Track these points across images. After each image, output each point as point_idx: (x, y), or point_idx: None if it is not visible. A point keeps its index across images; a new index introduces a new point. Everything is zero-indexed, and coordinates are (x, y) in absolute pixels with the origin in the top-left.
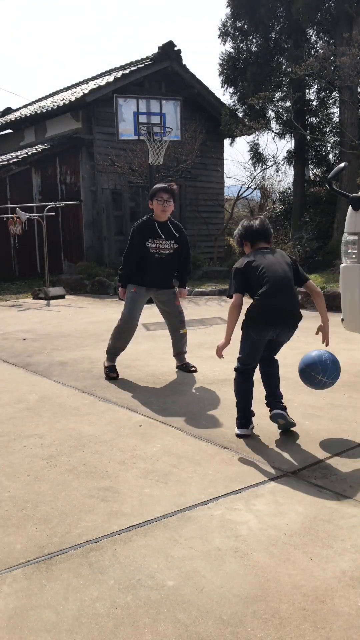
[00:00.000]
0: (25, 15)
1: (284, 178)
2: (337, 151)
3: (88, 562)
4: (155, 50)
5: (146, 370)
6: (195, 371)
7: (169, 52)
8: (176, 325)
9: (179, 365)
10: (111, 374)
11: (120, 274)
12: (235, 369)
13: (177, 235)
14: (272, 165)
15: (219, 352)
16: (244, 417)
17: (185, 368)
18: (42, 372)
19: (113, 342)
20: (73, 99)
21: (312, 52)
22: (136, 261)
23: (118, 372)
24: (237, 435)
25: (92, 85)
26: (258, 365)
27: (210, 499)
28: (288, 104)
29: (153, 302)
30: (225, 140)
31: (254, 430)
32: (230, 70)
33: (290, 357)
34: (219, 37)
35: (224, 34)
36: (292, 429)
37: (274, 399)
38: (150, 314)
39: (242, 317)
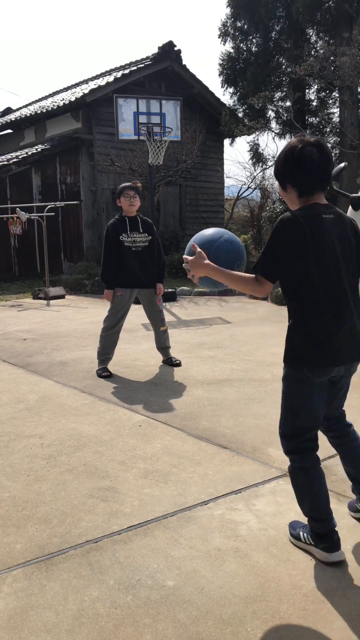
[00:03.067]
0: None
1: None
2: (337, 151)
3: (88, 562)
4: (155, 50)
5: (146, 370)
6: (179, 365)
7: (169, 52)
8: (157, 322)
9: (164, 360)
10: (104, 373)
11: (102, 275)
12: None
13: (148, 230)
14: (272, 165)
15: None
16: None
17: (170, 362)
18: (42, 372)
19: (102, 345)
20: (73, 99)
21: (312, 52)
22: (114, 259)
23: (110, 372)
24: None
25: (92, 85)
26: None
27: (210, 499)
28: (288, 104)
29: (139, 303)
30: (225, 140)
31: (253, 430)
32: (230, 70)
33: None
34: (219, 37)
35: (224, 34)
36: None
37: None
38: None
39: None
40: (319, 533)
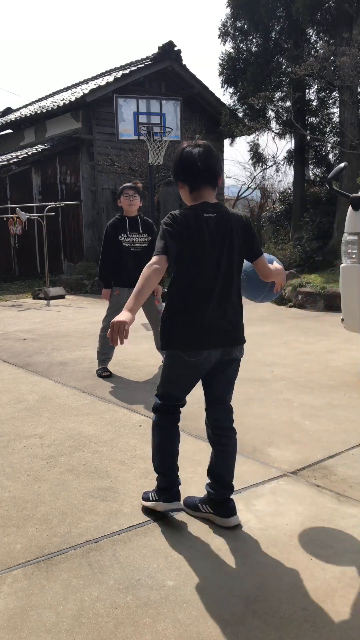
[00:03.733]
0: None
1: (284, 178)
2: (337, 151)
3: (88, 562)
4: (155, 50)
5: (146, 370)
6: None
7: (169, 52)
8: (157, 323)
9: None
10: (104, 373)
11: (99, 274)
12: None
13: (148, 231)
14: (272, 165)
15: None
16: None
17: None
18: (42, 372)
19: (101, 344)
20: (73, 99)
21: (312, 52)
22: (113, 259)
23: (110, 372)
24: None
25: (92, 85)
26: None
27: None
28: (288, 104)
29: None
30: (225, 140)
31: (253, 430)
32: (230, 70)
33: (290, 357)
34: (219, 37)
35: (224, 34)
36: (292, 428)
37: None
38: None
39: None
40: (161, 487)
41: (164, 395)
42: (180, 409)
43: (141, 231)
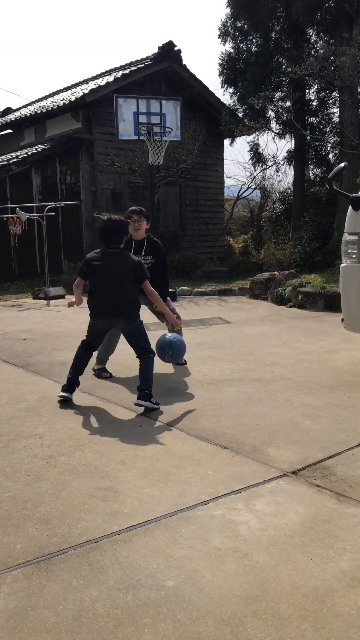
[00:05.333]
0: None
1: (284, 178)
2: (337, 151)
3: (88, 562)
4: (155, 50)
5: None
6: (185, 363)
7: (169, 52)
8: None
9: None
10: (104, 374)
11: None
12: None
13: (153, 252)
14: (272, 165)
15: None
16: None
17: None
18: (42, 372)
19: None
20: (73, 99)
21: (312, 52)
22: None
23: (111, 373)
24: (61, 397)
25: (92, 85)
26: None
27: (210, 499)
28: (288, 104)
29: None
30: (225, 140)
31: (253, 430)
32: (230, 70)
33: (290, 357)
34: (219, 37)
35: (224, 34)
36: (292, 428)
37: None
38: (150, 314)
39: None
40: (66, 383)
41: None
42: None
43: (144, 254)
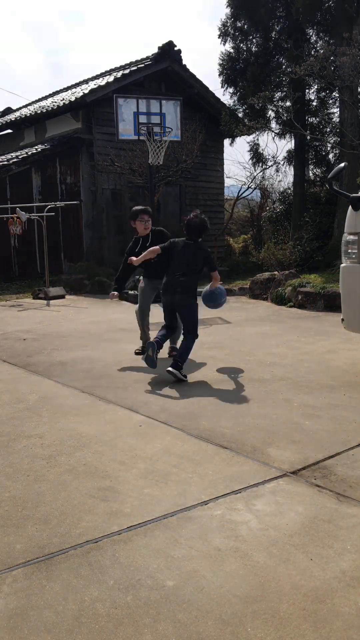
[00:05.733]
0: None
1: (284, 178)
2: (337, 151)
3: (88, 562)
4: (155, 50)
5: (146, 370)
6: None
7: (169, 52)
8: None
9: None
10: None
11: (116, 281)
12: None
13: (159, 241)
14: (272, 165)
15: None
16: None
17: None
18: (42, 372)
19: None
20: (73, 99)
21: (312, 52)
22: (129, 270)
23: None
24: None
25: (92, 85)
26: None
27: (210, 499)
28: (288, 104)
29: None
30: (225, 140)
31: (253, 430)
32: (230, 70)
33: (290, 357)
34: (219, 37)
35: (224, 34)
36: (292, 428)
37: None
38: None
39: None
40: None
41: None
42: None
43: (149, 245)
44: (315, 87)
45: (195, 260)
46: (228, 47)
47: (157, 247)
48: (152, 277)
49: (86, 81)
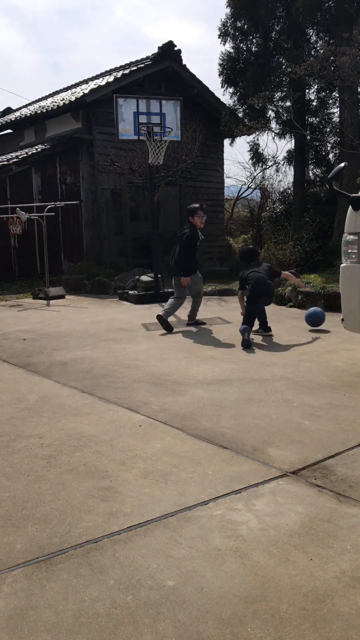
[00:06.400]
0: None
1: (284, 178)
2: (337, 151)
3: (88, 562)
4: (155, 50)
5: (146, 370)
6: (204, 324)
7: (168, 52)
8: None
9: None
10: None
11: (189, 268)
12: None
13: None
14: (272, 165)
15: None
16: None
17: (196, 323)
18: (42, 372)
19: (195, 309)
20: (73, 99)
21: (312, 52)
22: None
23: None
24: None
25: (92, 85)
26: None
27: (210, 499)
28: (288, 104)
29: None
30: (225, 140)
31: (253, 430)
32: (230, 70)
33: (290, 357)
34: (219, 37)
35: (224, 34)
36: (292, 428)
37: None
38: (151, 314)
39: None
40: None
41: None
42: None
43: (201, 238)
44: (315, 87)
45: (264, 273)
46: (228, 47)
47: (240, 291)
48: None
49: (86, 81)
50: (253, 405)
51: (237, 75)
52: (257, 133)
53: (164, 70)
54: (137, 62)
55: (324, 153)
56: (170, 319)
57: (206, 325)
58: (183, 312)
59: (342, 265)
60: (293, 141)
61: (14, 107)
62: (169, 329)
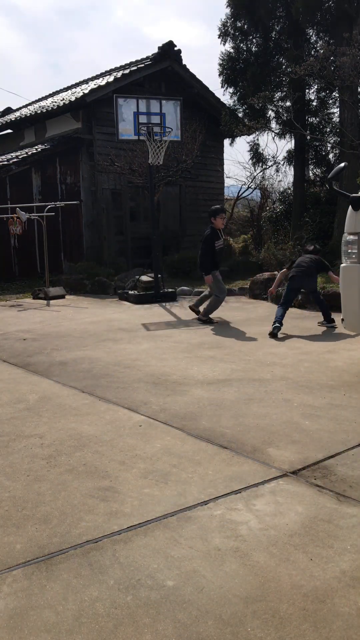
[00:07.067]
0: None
1: (284, 178)
2: (337, 151)
3: (88, 562)
4: (155, 50)
5: (146, 370)
6: (216, 323)
7: (168, 52)
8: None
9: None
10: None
11: (207, 266)
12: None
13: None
14: (272, 165)
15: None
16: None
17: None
18: (42, 372)
19: (213, 307)
20: (73, 99)
21: (312, 52)
22: (211, 256)
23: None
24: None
25: (92, 85)
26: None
27: (210, 499)
28: (288, 104)
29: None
30: (225, 140)
31: (253, 430)
32: (230, 70)
33: (290, 357)
34: (219, 37)
35: (224, 34)
36: (292, 428)
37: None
38: (151, 314)
39: None
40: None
41: None
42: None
43: (220, 237)
44: (315, 87)
45: (312, 264)
46: (228, 47)
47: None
48: (219, 267)
49: (86, 81)
50: (253, 405)
51: (237, 75)
52: (257, 133)
53: (164, 70)
54: (137, 62)
55: (324, 153)
56: (171, 318)
57: (205, 325)
58: (183, 312)
59: (342, 265)
60: (293, 141)
61: (14, 107)
62: (210, 322)
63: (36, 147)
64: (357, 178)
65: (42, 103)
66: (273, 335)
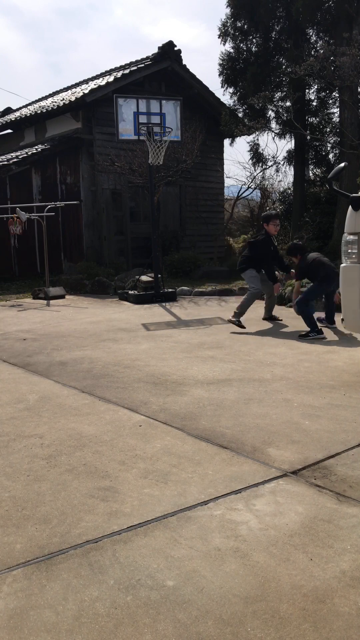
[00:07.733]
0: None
1: (284, 178)
2: (337, 151)
3: (88, 562)
4: (155, 50)
5: (146, 370)
6: (280, 320)
7: (168, 52)
8: (271, 292)
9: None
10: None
11: (271, 271)
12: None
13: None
14: (272, 165)
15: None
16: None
17: (273, 318)
18: (42, 372)
19: (245, 306)
20: (73, 99)
21: (312, 52)
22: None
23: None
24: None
25: (92, 85)
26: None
27: (210, 499)
28: (288, 104)
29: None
30: (225, 140)
31: (253, 430)
32: (230, 70)
33: (290, 357)
34: (219, 37)
35: (224, 34)
36: (292, 428)
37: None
38: (151, 314)
39: None
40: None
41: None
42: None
43: (275, 244)
44: (315, 87)
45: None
46: (228, 47)
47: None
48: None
49: (86, 81)
50: (253, 405)
51: (237, 75)
52: (257, 133)
53: (164, 70)
54: (137, 62)
55: (324, 153)
56: (171, 318)
57: (206, 325)
58: (183, 312)
59: (342, 265)
60: (293, 141)
61: (14, 107)
62: (273, 319)
63: (36, 147)
64: (357, 178)
65: (42, 103)
66: (323, 337)
